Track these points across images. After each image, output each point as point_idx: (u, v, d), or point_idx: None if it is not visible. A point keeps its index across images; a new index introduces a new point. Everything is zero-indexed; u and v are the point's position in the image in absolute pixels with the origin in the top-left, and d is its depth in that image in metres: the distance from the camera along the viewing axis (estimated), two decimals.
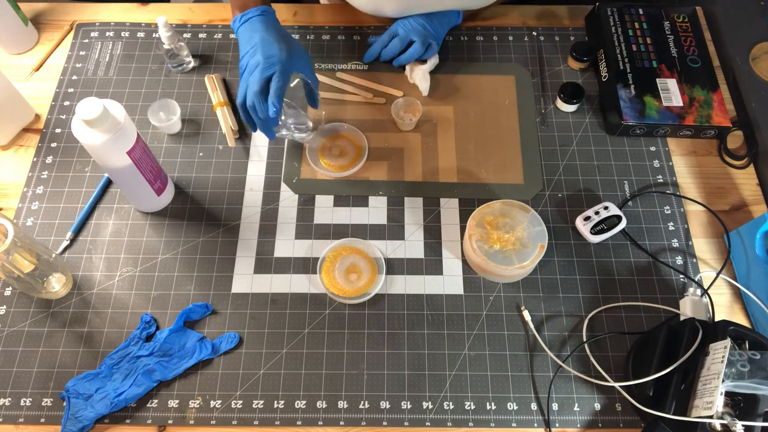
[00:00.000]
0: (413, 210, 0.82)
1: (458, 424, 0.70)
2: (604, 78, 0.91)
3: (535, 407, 0.70)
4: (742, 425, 0.58)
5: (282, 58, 0.73)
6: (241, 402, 0.70)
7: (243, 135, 0.88)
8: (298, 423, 0.70)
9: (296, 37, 0.98)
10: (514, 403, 0.71)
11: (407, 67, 0.92)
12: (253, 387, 0.71)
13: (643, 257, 0.79)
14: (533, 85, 0.93)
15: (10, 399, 0.70)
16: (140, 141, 0.71)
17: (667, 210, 0.83)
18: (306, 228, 0.81)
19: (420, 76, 0.90)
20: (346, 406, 0.70)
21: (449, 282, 0.77)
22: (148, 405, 0.70)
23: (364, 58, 0.93)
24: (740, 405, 0.60)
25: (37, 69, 0.94)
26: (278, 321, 0.75)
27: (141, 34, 0.98)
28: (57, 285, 0.75)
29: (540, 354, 0.73)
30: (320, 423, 0.70)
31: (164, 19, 0.86)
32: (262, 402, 0.70)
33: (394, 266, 0.78)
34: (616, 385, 0.69)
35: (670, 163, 0.86)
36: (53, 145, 0.87)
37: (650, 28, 0.94)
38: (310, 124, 0.84)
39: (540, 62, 0.96)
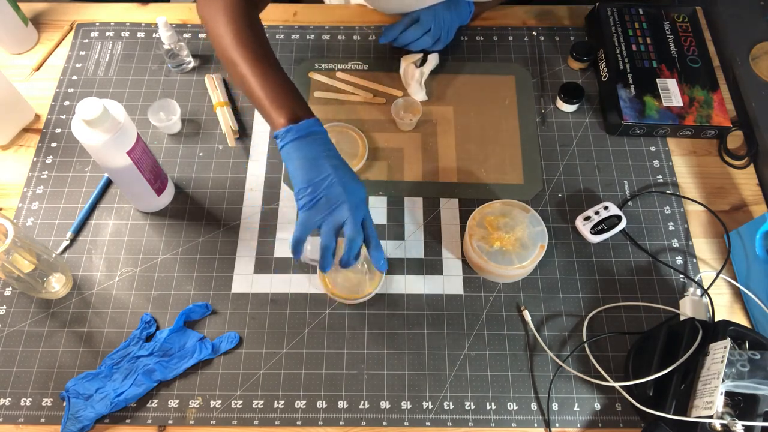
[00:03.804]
0: (413, 210, 0.82)
1: (458, 424, 0.70)
2: (604, 78, 0.91)
3: (535, 407, 0.70)
4: (742, 425, 0.58)
5: (364, 195, 0.65)
6: (241, 402, 0.70)
7: (243, 135, 0.88)
8: (298, 423, 0.70)
9: (296, 37, 0.98)
10: (514, 403, 0.71)
11: (402, 71, 0.92)
12: (253, 387, 0.71)
13: (643, 257, 0.79)
14: (533, 85, 0.93)
15: (10, 399, 0.70)
16: (140, 141, 0.71)
17: (667, 210, 0.83)
18: None
19: (415, 87, 0.90)
20: (346, 406, 0.70)
21: (449, 282, 0.77)
22: (148, 405, 0.70)
23: (381, 39, 0.91)
24: (740, 405, 0.60)
25: (37, 69, 0.94)
26: (278, 321, 0.75)
27: (141, 34, 0.98)
28: (57, 285, 0.75)
29: (540, 354, 0.73)
30: (320, 423, 0.70)
31: (164, 19, 0.86)
32: (262, 402, 0.70)
33: (394, 266, 0.78)
34: (616, 385, 0.69)
35: (670, 163, 0.86)
36: (53, 145, 0.87)
37: (650, 28, 0.94)
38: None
39: (540, 62, 0.96)
